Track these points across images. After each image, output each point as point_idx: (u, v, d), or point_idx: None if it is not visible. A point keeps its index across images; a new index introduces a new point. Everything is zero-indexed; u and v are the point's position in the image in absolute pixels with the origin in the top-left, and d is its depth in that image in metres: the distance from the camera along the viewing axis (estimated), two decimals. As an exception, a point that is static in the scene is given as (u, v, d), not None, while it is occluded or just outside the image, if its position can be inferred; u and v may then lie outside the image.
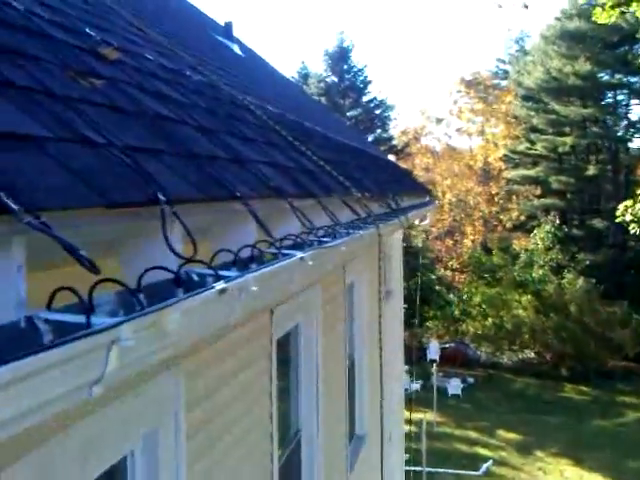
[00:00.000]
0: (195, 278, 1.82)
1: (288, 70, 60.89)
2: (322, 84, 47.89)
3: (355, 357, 7.85)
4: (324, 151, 5.09)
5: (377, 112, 49.15)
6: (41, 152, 1.36)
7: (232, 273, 1.78)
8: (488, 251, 40.33)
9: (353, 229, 3.52)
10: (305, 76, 49.18)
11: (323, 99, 45.28)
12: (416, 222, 12.05)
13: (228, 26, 11.01)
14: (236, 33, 11.24)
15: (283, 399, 5.30)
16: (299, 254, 2.30)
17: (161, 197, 1.54)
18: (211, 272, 1.83)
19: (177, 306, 1.36)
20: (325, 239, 2.94)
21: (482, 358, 35.77)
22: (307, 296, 5.16)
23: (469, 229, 46.82)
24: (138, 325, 1.20)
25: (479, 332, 35.78)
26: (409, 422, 19.29)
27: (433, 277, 39.76)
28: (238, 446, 3.85)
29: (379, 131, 49.20)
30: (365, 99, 49.07)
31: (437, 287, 39.54)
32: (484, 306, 35.29)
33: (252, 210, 2.02)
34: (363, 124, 46.97)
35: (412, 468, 17.67)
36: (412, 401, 17.55)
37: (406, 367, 19.18)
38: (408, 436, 16.97)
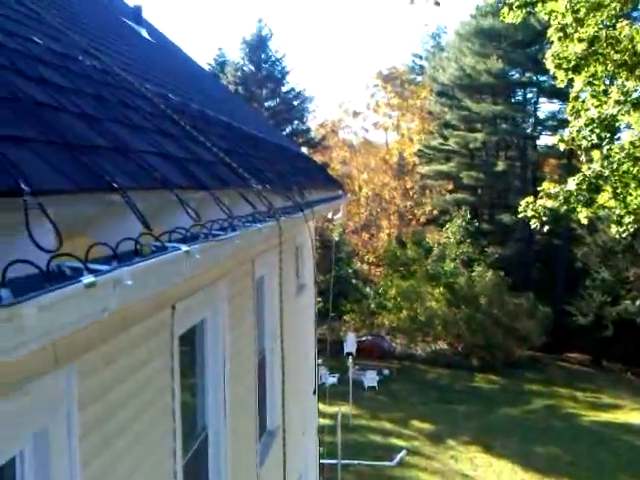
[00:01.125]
0: (67, 272, 1.75)
1: (205, 58, 59.79)
2: (239, 73, 47.12)
3: (266, 351, 7.82)
4: (226, 141, 5.01)
5: (295, 103, 48.87)
6: None
7: (104, 267, 1.71)
8: (403, 245, 41.09)
9: (251, 222, 3.48)
10: (222, 64, 48.31)
11: (240, 89, 44.72)
12: (329, 216, 12.13)
13: (137, 10, 10.69)
14: (149, 17, 10.98)
15: (188, 395, 5.22)
16: (184, 247, 2.24)
17: (24, 187, 1.47)
18: (88, 266, 1.76)
19: (35, 300, 1.30)
20: (219, 232, 2.89)
21: (397, 350, 36.44)
22: (211, 291, 5.09)
23: (385, 223, 47.61)
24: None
25: (394, 324, 36.47)
26: (325, 415, 19.46)
27: (350, 271, 40.23)
28: (137, 444, 3.76)
29: (297, 123, 48.99)
30: (283, 89, 48.64)
31: (354, 280, 40.06)
32: (399, 299, 35.95)
33: (130, 202, 1.96)
34: (281, 115, 46.68)
35: (327, 461, 17.82)
36: (328, 394, 17.67)
37: (320, 360, 19.34)
38: (324, 429, 17.11)
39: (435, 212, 45.98)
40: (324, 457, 16.72)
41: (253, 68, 47.31)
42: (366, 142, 53.24)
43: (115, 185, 1.95)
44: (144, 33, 9.82)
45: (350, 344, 28.36)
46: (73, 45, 3.53)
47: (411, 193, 47.92)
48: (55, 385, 2.72)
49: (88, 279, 1.56)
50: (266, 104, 47.19)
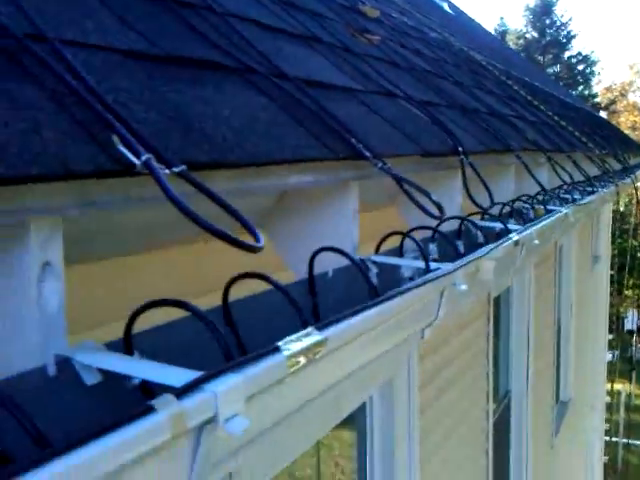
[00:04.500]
0: (472, 229, 1.84)
1: (486, 27, 58.59)
2: (521, 40, 45.35)
3: (562, 322, 7.60)
4: (551, 106, 4.91)
5: (580, 68, 45.88)
6: (359, 103, 1.43)
7: (518, 226, 1.77)
8: (701, 217, 36.66)
9: (598, 187, 3.37)
10: (503, 33, 46.78)
11: (522, 56, 43.02)
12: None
13: (438, -16, 10.90)
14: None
15: (496, 359, 5.27)
16: (563, 210, 2.23)
17: (460, 149, 1.57)
18: (484, 224, 1.84)
19: (490, 255, 1.38)
20: (575, 196, 2.83)
21: (688, 333, 32.96)
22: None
23: (679, 193, 42.72)
24: (466, 271, 1.23)
25: (687, 304, 32.95)
26: (608, 392, 18.32)
27: (635, 244, 36.99)
28: (460, 400, 3.90)
29: (581, 88, 45.91)
30: (567, 54, 45.89)
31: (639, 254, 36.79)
32: (694, 276, 32.30)
33: (525, 163, 2.00)
34: (563, 81, 44.10)
35: (608, 438, 16.85)
36: (613, 371, 16.58)
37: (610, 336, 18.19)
38: (606, 406, 16.15)
39: None
40: (607, 434, 15.83)
41: (536, 34, 45.18)
42: (660, 104, 48.02)
43: (511, 147, 2.00)
44: (445, 6, 10.09)
45: (632, 321, 26.31)
46: (414, 19, 3.68)
47: None
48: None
49: (515, 237, 1.62)
50: (548, 70, 44.84)
